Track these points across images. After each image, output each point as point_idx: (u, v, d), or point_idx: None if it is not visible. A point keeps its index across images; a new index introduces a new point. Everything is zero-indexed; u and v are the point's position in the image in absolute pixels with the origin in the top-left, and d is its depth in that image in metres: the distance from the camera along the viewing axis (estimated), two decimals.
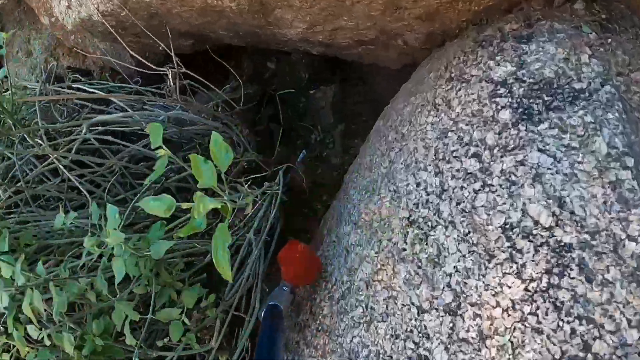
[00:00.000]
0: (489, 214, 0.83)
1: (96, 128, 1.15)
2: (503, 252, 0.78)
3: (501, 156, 0.88)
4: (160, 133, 0.87)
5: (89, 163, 1.20)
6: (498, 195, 0.83)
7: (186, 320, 0.93)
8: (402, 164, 1.11)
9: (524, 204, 0.80)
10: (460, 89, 1.07)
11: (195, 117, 1.22)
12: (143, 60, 1.31)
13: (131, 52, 1.30)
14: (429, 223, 0.93)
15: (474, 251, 0.82)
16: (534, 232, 0.77)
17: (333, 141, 1.50)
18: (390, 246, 0.98)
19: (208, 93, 1.46)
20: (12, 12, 1.95)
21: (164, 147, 0.89)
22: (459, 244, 0.85)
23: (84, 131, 1.11)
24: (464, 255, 0.83)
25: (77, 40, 1.83)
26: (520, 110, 0.93)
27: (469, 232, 0.84)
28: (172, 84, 1.12)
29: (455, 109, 1.05)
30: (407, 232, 0.96)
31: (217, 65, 1.74)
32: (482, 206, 0.85)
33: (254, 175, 1.24)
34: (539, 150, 0.85)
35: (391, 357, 0.87)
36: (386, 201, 1.07)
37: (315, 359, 1.07)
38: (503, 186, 0.84)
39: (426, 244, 0.91)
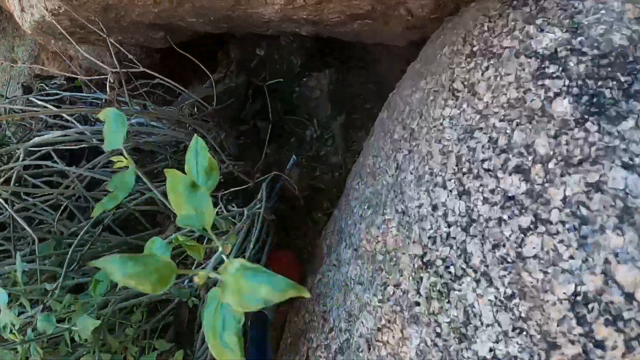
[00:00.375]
0: (546, 273, 0.47)
1: (38, 149, 0.86)
2: (571, 342, 0.43)
3: (562, 174, 0.51)
4: (121, 130, 0.53)
5: (48, 190, 0.91)
6: (561, 243, 0.47)
7: None
8: (412, 173, 0.75)
9: (606, 261, 0.44)
10: (487, 68, 0.69)
11: (159, 126, 0.90)
12: (99, 63, 0.98)
13: (82, 52, 0.97)
14: (452, 270, 0.58)
15: (522, 330, 0.48)
16: (626, 314, 0.41)
17: (332, 136, 1.15)
18: (399, 295, 0.65)
19: (190, 94, 1.12)
20: None
21: (125, 152, 0.55)
22: (497, 312, 0.51)
23: (21, 157, 0.82)
24: (505, 333, 0.49)
25: (58, 44, 1.52)
26: (585, 98, 0.55)
27: (514, 296, 0.50)
28: (110, 89, 0.80)
29: (482, 97, 0.67)
30: (421, 278, 0.62)
31: (203, 58, 1.40)
32: (534, 257, 0.49)
33: (235, 189, 0.92)
34: (625, 166, 0.48)
35: None
36: (392, 227, 0.72)
37: None
38: (568, 227, 0.48)
39: (448, 302, 0.57)
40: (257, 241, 0.87)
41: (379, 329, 0.66)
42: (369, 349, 0.67)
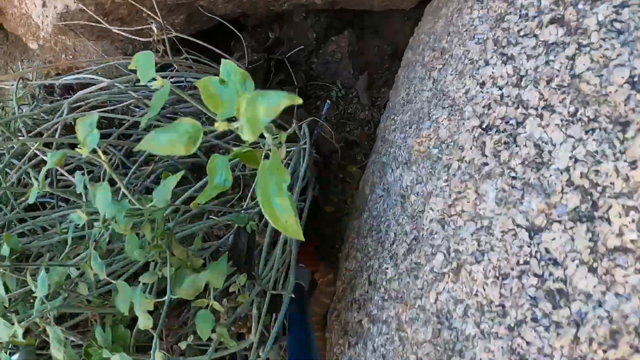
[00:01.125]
0: (601, 76, 0.57)
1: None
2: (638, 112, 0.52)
3: (591, 7, 0.62)
4: (150, 65, 0.56)
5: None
6: (606, 49, 0.58)
7: (217, 306, 0.68)
8: (451, 74, 0.86)
9: None
10: None
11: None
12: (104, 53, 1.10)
13: (118, 30, 1.10)
14: (513, 120, 0.67)
15: (594, 129, 0.56)
16: None
17: (357, 95, 1.26)
18: (464, 167, 0.72)
19: (229, 57, 1.24)
20: (1, 47, 1.82)
21: (157, 76, 0.56)
22: (566, 129, 0.59)
23: (65, 112, 0.90)
24: (580, 139, 0.57)
25: (69, 57, 1.66)
26: None
27: (578, 110, 0.58)
28: (156, 38, 0.91)
29: None
30: (484, 143, 0.70)
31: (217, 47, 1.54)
32: (587, 70, 0.59)
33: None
34: None
35: (503, 306, 0.60)
36: (443, 120, 0.81)
37: (388, 336, 0.80)
38: (608, 38, 0.58)
39: (516, 145, 0.65)
40: (303, 178, 0.95)
41: (450, 205, 0.73)
42: (443, 227, 0.73)
